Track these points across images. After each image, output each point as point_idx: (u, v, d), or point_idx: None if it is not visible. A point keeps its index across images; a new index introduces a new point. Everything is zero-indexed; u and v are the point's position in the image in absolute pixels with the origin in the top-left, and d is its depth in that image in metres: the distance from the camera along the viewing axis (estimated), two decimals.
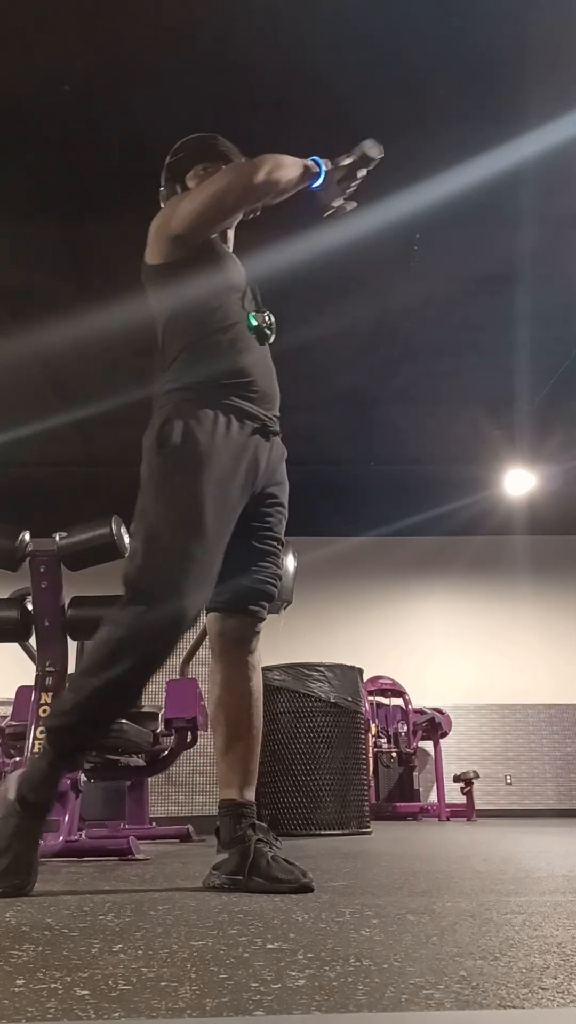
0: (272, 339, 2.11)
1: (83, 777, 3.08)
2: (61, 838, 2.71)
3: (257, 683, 2.08)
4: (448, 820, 7.88)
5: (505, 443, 8.00)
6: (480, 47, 4.06)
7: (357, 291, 5.81)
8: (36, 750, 2.67)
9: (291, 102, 4.35)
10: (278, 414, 2.09)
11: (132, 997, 0.80)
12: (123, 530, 2.90)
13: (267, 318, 2.10)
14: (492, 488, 8.80)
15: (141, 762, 4.06)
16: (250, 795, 2.00)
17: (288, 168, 2.05)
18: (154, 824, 4.42)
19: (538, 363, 6.79)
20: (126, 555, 2.02)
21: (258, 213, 2.23)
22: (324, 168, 2.10)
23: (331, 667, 5.01)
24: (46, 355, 6.39)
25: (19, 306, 5.97)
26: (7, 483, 8.47)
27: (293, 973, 0.89)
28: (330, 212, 2.16)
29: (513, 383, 7.07)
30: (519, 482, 8.52)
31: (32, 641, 3.01)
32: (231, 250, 2.26)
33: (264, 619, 2.08)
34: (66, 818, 2.86)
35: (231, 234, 2.29)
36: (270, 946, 1.07)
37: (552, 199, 5.02)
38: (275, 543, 2.08)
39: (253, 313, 2.08)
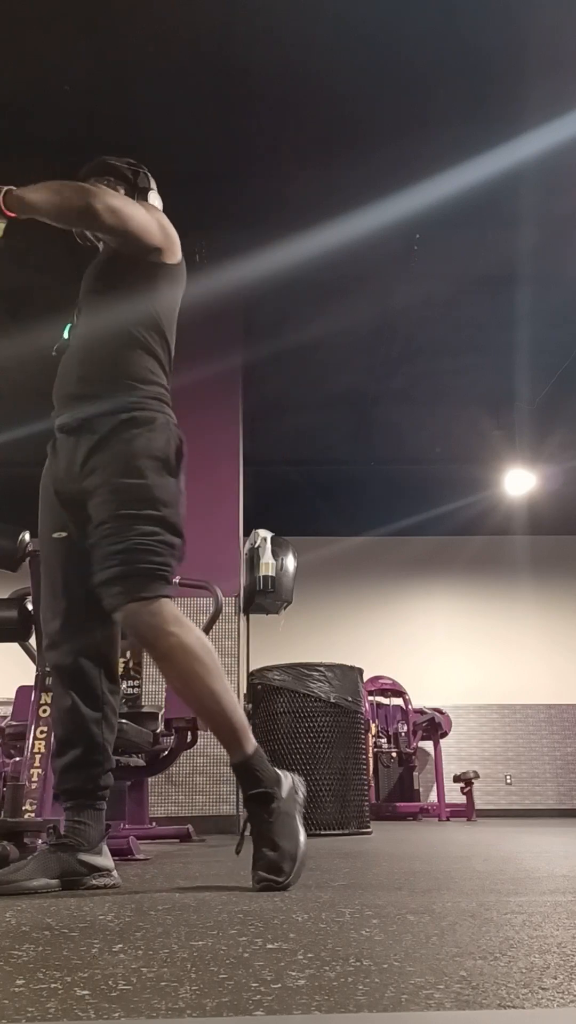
0: (64, 346, 2.18)
1: None
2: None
3: (179, 667, 1.90)
4: (448, 820, 7.88)
5: (505, 443, 8.00)
6: (480, 47, 4.06)
7: (357, 291, 5.81)
8: (36, 750, 2.67)
9: (291, 102, 4.36)
10: (77, 411, 2.04)
11: (132, 997, 0.80)
12: None
13: (75, 322, 2.19)
14: (492, 488, 8.80)
15: (141, 762, 4.05)
16: (245, 749, 1.96)
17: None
18: (154, 824, 4.41)
19: (538, 363, 6.80)
20: None
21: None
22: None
23: (331, 667, 5.01)
24: (46, 355, 6.37)
25: (19, 306, 5.98)
26: (7, 483, 8.47)
27: (293, 973, 0.89)
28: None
29: (513, 383, 7.07)
30: (519, 482, 8.52)
31: (32, 641, 3.01)
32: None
33: (130, 604, 1.89)
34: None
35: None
36: (270, 946, 1.07)
37: (552, 199, 5.02)
38: (108, 525, 1.91)
39: (72, 322, 2.19)
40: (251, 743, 1.88)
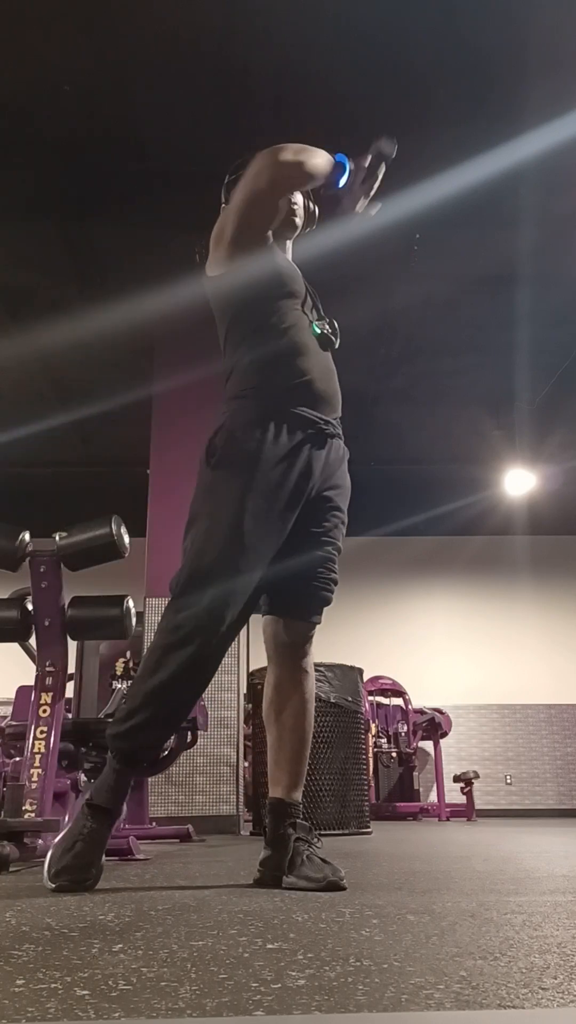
0: (337, 345, 2.12)
1: (83, 777, 3.08)
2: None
3: (309, 687, 2.10)
4: (448, 820, 7.88)
5: (505, 443, 8.00)
6: (480, 47, 4.06)
7: (357, 291, 5.81)
8: (36, 750, 2.67)
9: (291, 102, 4.36)
10: (339, 416, 2.11)
11: (132, 997, 0.80)
12: (123, 530, 2.90)
13: (328, 325, 2.12)
14: (492, 488, 8.80)
15: None
16: (297, 795, 2.03)
17: (314, 153, 2.04)
18: (154, 824, 4.41)
19: (538, 363, 6.80)
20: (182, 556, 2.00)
21: (314, 226, 2.25)
22: (349, 166, 2.08)
23: (331, 667, 5.00)
24: (46, 355, 6.39)
25: (19, 306, 5.98)
26: (7, 483, 8.47)
27: (293, 973, 0.89)
28: (355, 214, 2.15)
29: (513, 383, 7.07)
30: (519, 482, 8.52)
31: (32, 641, 3.01)
32: (290, 259, 2.26)
33: (319, 623, 2.10)
34: (66, 818, 2.86)
35: (290, 244, 2.29)
36: (270, 946, 1.07)
37: (552, 199, 5.02)
38: (332, 548, 2.07)
39: (315, 322, 2.11)
40: None
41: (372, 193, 2.13)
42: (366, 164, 2.08)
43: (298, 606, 2.07)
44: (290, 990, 0.82)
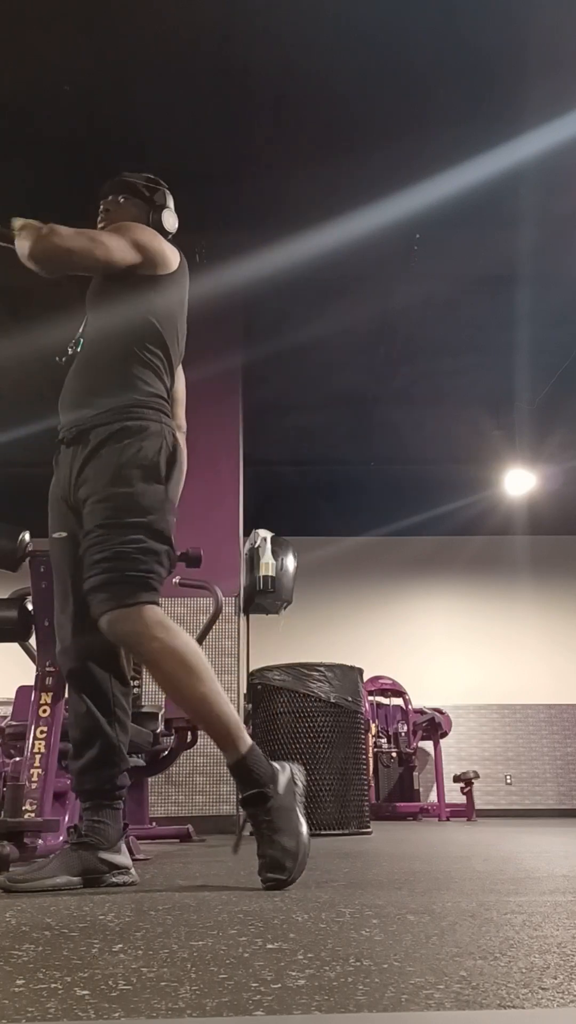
0: (66, 357, 2.25)
1: None
2: (61, 838, 2.71)
3: (164, 671, 1.92)
4: (448, 820, 7.88)
5: (505, 443, 8.00)
6: (480, 47, 4.06)
7: (357, 291, 5.81)
8: (36, 750, 2.67)
9: (291, 102, 4.36)
10: (75, 422, 2.09)
11: (132, 997, 0.80)
12: None
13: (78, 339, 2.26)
14: (492, 488, 8.80)
15: (141, 762, 4.05)
16: (239, 749, 1.98)
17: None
18: (154, 824, 4.41)
19: (538, 363, 6.80)
20: None
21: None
22: None
23: (331, 667, 5.00)
24: (46, 355, 6.38)
25: (19, 306, 5.98)
26: (7, 483, 8.47)
27: (293, 973, 0.89)
28: None
29: (513, 383, 7.07)
30: (519, 482, 8.52)
31: (32, 641, 3.01)
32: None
33: (111, 612, 1.90)
34: (66, 818, 2.86)
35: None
36: (270, 946, 1.07)
37: (552, 199, 5.02)
38: (96, 533, 1.94)
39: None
40: (245, 742, 1.90)
41: None
42: None
43: (93, 605, 1.96)
44: (290, 990, 0.82)
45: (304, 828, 1.84)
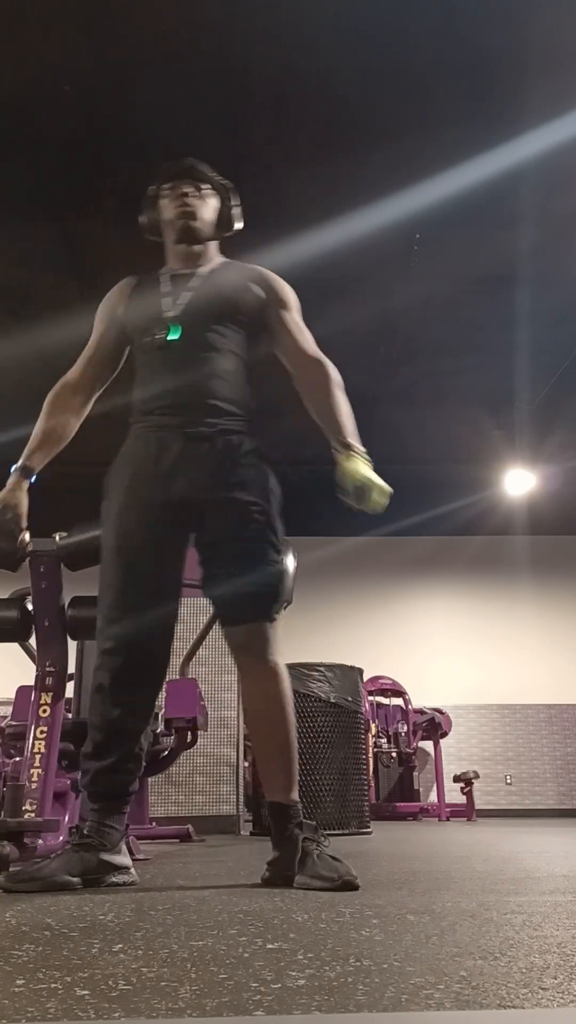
0: (173, 340, 2.17)
1: None
2: (61, 838, 2.71)
3: (271, 691, 2.03)
4: (448, 820, 7.88)
5: (505, 443, 8.00)
6: (480, 47, 4.06)
7: (357, 291, 5.81)
8: (36, 750, 2.67)
9: (291, 102, 4.35)
10: (222, 414, 2.13)
11: (132, 997, 0.80)
12: None
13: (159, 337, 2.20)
14: (492, 488, 8.80)
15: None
16: (294, 795, 2.02)
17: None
18: (154, 824, 4.41)
19: (538, 363, 6.79)
20: None
21: (232, 228, 2.36)
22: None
23: (331, 667, 5.00)
24: (46, 355, 6.38)
25: (19, 306, 5.98)
26: (7, 483, 8.46)
27: (293, 973, 0.89)
28: None
29: (513, 383, 7.07)
30: (519, 482, 8.52)
31: (32, 641, 3.01)
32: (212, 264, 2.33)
33: (261, 620, 2.03)
34: (66, 818, 2.86)
35: (213, 246, 2.36)
36: (270, 946, 1.07)
37: (552, 199, 5.02)
38: (250, 544, 2.04)
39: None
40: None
41: None
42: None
43: (228, 608, 2.07)
44: (290, 990, 0.82)
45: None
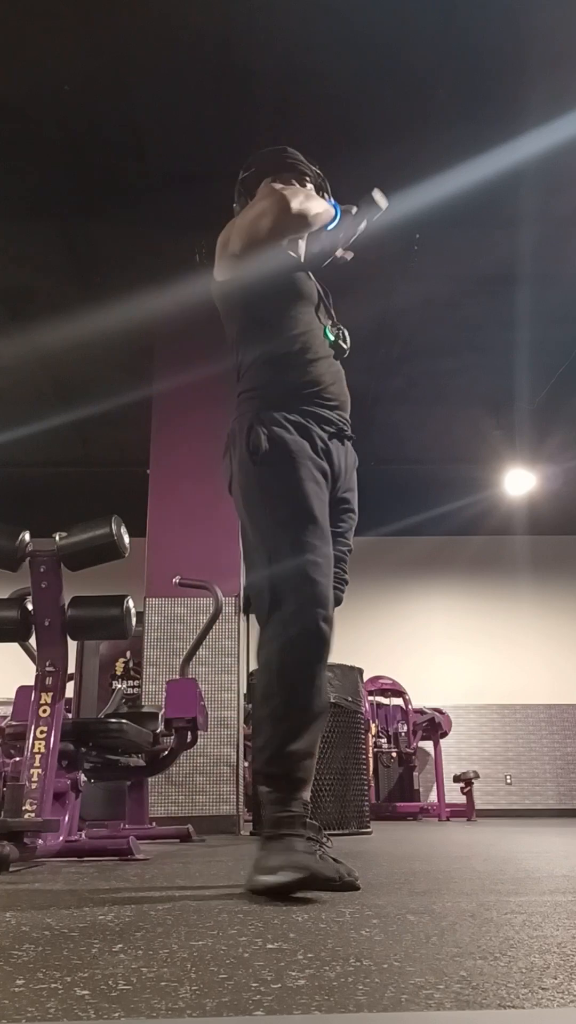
0: (347, 353, 2.16)
1: (83, 777, 3.08)
2: (61, 838, 2.71)
3: None
4: (448, 820, 7.88)
5: (505, 443, 8.00)
6: (480, 47, 4.06)
7: (357, 291, 5.81)
8: (36, 750, 2.67)
9: (291, 102, 4.35)
10: (349, 420, 2.16)
11: (132, 997, 0.80)
12: (123, 530, 2.90)
13: (342, 332, 2.16)
14: (492, 488, 8.80)
15: (141, 762, 4.05)
16: (305, 795, 1.99)
17: (317, 202, 2.11)
18: (154, 824, 4.41)
19: (538, 363, 6.79)
20: (246, 566, 2.04)
21: (348, 258, 2.32)
22: (340, 211, 2.15)
23: (331, 667, 4.97)
24: (46, 355, 6.39)
25: (19, 306, 5.98)
26: (7, 483, 8.47)
27: (293, 973, 0.89)
28: (330, 260, 2.21)
29: (513, 383, 7.07)
30: (519, 482, 8.52)
31: (32, 641, 3.01)
32: (303, 257, 2.28)
33: (340, 601, 2.12)
34: (66, 818, 2.86)
35: (302, 243, 2.29)
36: (270, 946, 1.07)
37: (552, 199, 5.02)
38: (346, 549, 2.16)
39: (328, 326, 2.14)
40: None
41: (352, 241, 2.20)
42: (354, 212, 2.17)
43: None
44: (290, 990, 0.82)
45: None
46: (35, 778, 2.59)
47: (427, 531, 10.00)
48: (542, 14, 3.88)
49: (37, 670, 2.86)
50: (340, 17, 3.89)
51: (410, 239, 5.34)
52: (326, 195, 2.30)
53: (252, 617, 2.12)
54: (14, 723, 3.32)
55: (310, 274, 2.24)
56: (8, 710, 3.74)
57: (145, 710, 4.53)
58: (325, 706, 1.88)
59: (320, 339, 2.11)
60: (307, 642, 1.83)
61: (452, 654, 10.22)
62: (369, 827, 4.94)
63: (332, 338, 2.13)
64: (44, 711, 2.74)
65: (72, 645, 3.09)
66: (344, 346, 2.15)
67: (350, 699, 5.01)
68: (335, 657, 5.15)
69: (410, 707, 9.05)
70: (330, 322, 2.17)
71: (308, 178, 2.28)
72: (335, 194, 2.36)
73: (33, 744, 2.68)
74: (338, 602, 2.07)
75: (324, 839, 1.94)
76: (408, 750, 9.01)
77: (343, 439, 2.11)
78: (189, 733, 4.00)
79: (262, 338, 2.10)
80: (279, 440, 1.96)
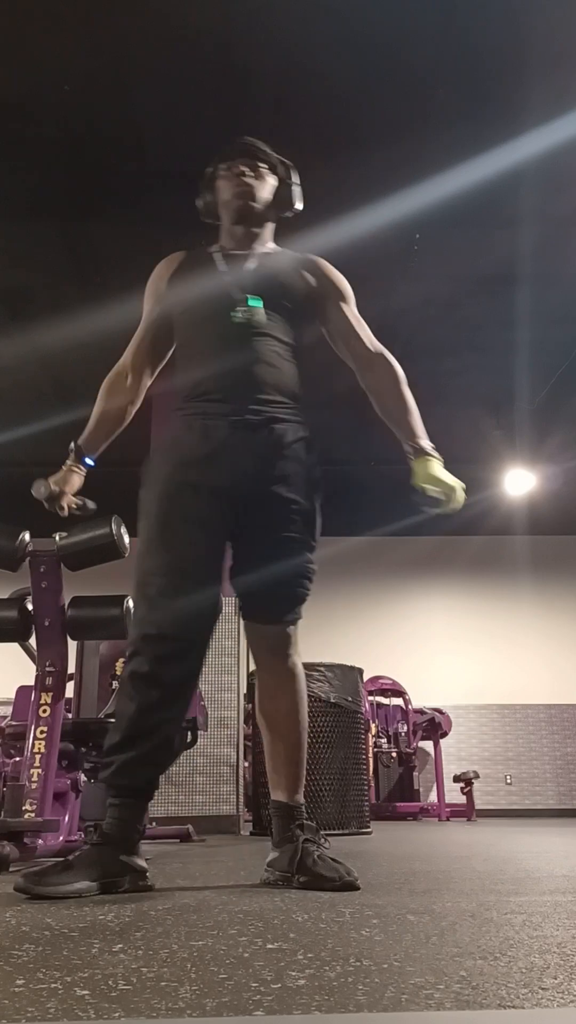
0: (248, 323, 2.09)
1: (83, 777, 3.08)
2: (61, 838, 2.72)
3: (298, 688, 2.07)
4: (448, 820, 7.88)
5: (505, 443, 8.00)
6: (480, 47, 4.06)
7: (357, 291, 5.80)
8: (36, 750, 2.67)
9: (291, 102, 4.35)
10: (269, 402, 2.08)
11: (132, 997, 0.80)
12: (123, 530, 2.90)
13: (241, 314, 2.08)
14: (492, 488, 8.79)
15: None
16: (299, 797, 2.02)
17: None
18: (154, 824, 4.41)
19: (538, 363, 6.79)
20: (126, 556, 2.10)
21: (292, 208, 2.34)
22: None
23: (331, 667, 5.00)
24: (46, 355, 6.38)
25: (19, 306, 5.98)
26: (7, 483, 8.47)
27: (293, 973, 0.89)
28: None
29: (513, 383, 7.07)
30: (519, 482, 8.52)
31: (32, 641, 3.01)
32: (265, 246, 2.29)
33: (289, 623, 2.06)
34: (66, 818, 2.86)
35: (269, 227, 2.32)
36: (270, 946, 1.07)
37: (552, 199, 5.02)
38: (287, 543, 2.01)
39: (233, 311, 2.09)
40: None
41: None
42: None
43: (266, 609, 2.05)
44: (290, 990, 0.82)
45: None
46: (35, 778, 2.60)
47: (427, 531, 10.00)
48: (542, 14, 3.88)
49: (37, 670, 2.86)
50: (340, 17, 3.89)
51: (410, 239, 5.34)
52: (293, 183, 2.30)
53: None
54: (14, 723, 3.32)
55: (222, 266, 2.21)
56: (8, 710, 3.75)
57: None
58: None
59: (213, 338, 2.15)
60: (142, 663, 1.90)
61: (452, 654, 10.22)
62: (369, 827, 4.94)
63: (236, 320, 2.09)
64: (44, 711, 2.74)
65: (72, 645, 3.09)
66: (242, 323, 2.09)
67: (350, 699, 5.01)
68: (335, 656, 5.16)
69: (410, 707, 9.05)
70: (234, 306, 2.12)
71: (265, 166, 2.24)
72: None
73: (33, 744, 2.68)
74: (287, 601, 2.06)
75: (322, 839, 1.95)
76: (408, 750, 9.01)
77: (248, 428, 2.03)
78: (189, 733, 4.00)
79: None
80: (150, 462, 2.11)
